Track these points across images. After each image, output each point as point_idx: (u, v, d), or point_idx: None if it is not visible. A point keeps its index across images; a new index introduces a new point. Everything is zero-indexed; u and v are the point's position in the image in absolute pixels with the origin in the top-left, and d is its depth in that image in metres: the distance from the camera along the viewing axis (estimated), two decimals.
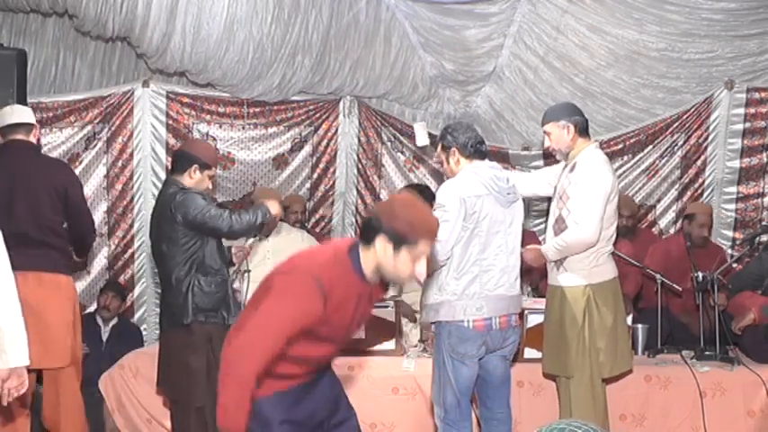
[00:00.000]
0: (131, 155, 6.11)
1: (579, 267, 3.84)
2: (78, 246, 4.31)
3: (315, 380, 2.84)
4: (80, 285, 6.04)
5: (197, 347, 3.90)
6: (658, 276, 4.85)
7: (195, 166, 3.96)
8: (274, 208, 4.08)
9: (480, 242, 3.57)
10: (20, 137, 4.05)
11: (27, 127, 4.08)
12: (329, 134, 6.39)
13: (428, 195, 5.05)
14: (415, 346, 4.59)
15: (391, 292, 4.80)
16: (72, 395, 4.06)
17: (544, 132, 4.02)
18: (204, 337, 3.90)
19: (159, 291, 6.23)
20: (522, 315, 4.07)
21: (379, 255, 2.62)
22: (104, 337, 5.67)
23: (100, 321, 5.76)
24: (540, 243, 4.89)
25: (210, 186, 4.07)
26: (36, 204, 3.97)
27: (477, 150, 3.72)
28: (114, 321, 5.67)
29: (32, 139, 4.11)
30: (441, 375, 3.64)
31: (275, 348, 2.57)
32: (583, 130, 3.93)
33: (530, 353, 4.33)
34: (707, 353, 4.51)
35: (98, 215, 6.10)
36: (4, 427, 3.89)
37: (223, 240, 4.11)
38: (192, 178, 3.97)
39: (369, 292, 2.74)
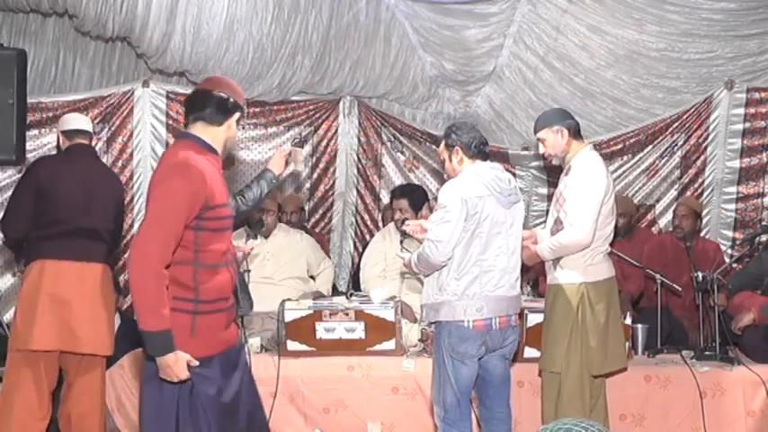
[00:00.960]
0: (131, 155, 6.12)
1: (574, 265, 3.86)
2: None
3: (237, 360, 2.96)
4: None
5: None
6: (658, 276, 4.85)
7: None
8: (278, 167, 3.86)
9: (481, 243, 3.56)
10: (85, 141, 4.34)
11: (89, 134, 4.38)
12: (329, 134, 6.40)
13: (420, 194, 5.06)
14: (415, 346, 4.59)
15: (392, 293, 4.80)
16: (100, 386, 4.21)
17: (538, 140, 4.05)
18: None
19: None
20: (522, 314, 4.07)
21: (231, 130, 3.02)
22: None
23: None
24: None
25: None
26: (105, 206, 4.23)
27: (481, 151, 3.72)
28: (117, 323, 5.63)
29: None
30: (440, 375, 3.64)
31: (176, 234, 2.75)
32: (576, 133, 3.94)
33: (530, 352, 4.33)
34: (707, 353, 4.51)
35: None
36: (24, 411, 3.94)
37: None
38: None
39: (219, 167, 3.00)
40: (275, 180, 3.82)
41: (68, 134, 4.34)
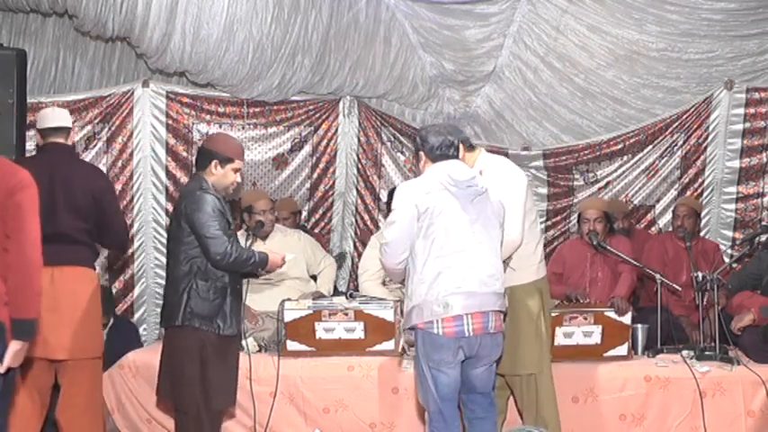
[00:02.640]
0: (131, 155, 6.11)
1: (528, 264, 3.87)
2: (114, 249, 4.54)
3: None
4: None
5: (190, 353, 3.80)
6: (658, 276, 4.85)
7: (215, 161, 3.86)
8: (275, 264, 4.00)
9: (439, 240, 3.44)
10: (60, 140, 4.16)
11: (66, 131, 4.20)
12: (329, 134, 6.39)
13: None
14: (414, 346, 4.57)
15: (392, 294, 4.79)
16: (94, 389, 4.14)
17: None
18: (197, 343, 3.80)
19: (160, 291, 6.29)
20: (505, 318, 3.88)
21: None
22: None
23: None
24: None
25: (237, 180, 3.95)
26: (75, 207, 4.06)
27: (444, 154, 3.57)
28: (111, 322, 5.62)
29: (69, 142, 4.24)
30: (421, 382, 3.58)
31: None
32: (469, 146, 3.84)
33: None
34: (707, 353, 4.51)
35: None
36: (18, 416, 3.92)
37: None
38: (215, 174, 3.87)
39: None
40: (260, 264, 3.92)
41: (43, 132, 4.20)
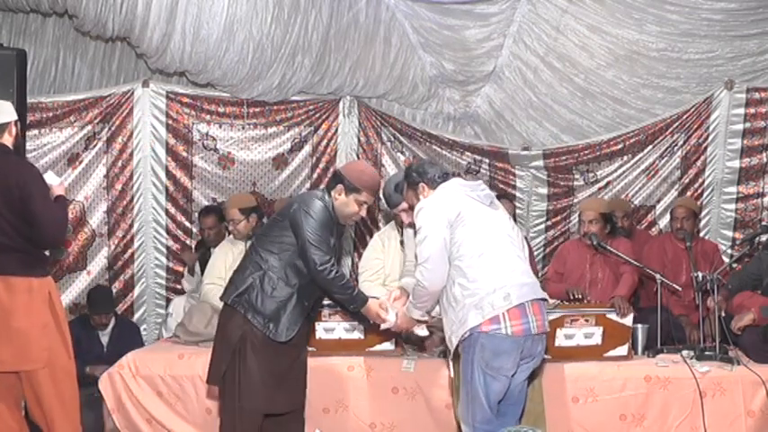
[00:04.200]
0: (131, 155, 6.12)
1: None
2: (44, 243, 3.93)
3: None
4: (79, 285, 6.07)
5: (229, 336, 3.72)
6: (658, 276, 4.85)
7: (341, 186, 3.76)
8: (372, 313, 3.85)
9: (477, 239, 3.44)
10: None
11: (0, 127, 3.85)
12: (329, 134, 6.39)
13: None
14: (414, 348, 4.58)
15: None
16: (54, 396, 3.93)
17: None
18: (239, 330, 3.70)
19: (160, 291, 6.30)
20: None
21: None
22: (104, 341, 5.57)
23: None
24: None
25: (359, 213, 3.80)
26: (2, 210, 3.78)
27: (444, 179, 3.67)
28: (112, 323, 5.62)
29: (6, 137, 3.87)
30: (469, 392, 3.45)
31: None
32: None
33: None
34: (707, 353, 4.51)
35: (98, 215, 6.13)
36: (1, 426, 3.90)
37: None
38: (338, 199, 3.77)
39: None
40: (356, 299, 3.80)
41: None
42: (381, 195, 4.18)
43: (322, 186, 4.02)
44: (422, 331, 3.88)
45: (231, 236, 5.19)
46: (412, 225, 3.87)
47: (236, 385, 3.70)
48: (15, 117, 3.94)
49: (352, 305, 3.80)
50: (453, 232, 3.44)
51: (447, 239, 3.44)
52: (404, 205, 3.93)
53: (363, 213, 3.82)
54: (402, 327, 3.87)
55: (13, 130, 3.91)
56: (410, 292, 3.69)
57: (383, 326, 3.88)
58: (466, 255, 3.44)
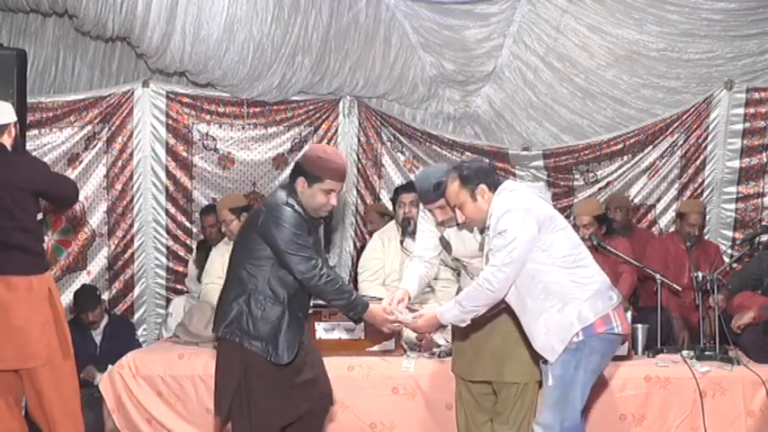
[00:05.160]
0: (131, 155, 6.12)
1: None
2: (59, 203, 4.22)
3: None
4: (79, 285, 6.04)
5: (230, 368, 3.45)
6: (658, 276, 4.85)
7: (301, 179, 3.41)
8: (377, 316, 3.56)
9: (569, 238, 3.35)
10: None
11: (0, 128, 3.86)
12: (329, 134, 6.39)
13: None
14: (414, 348, 4.57)
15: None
16: (54, 394, 3.93)
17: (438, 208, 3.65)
18: (240, 362, 3.41)
19: (160, 291, 6.30)
20: None
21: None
22: (98, 339, 5.51)
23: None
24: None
25: (328, 203, 3.43)
26: (8, 209, 3.79)
27: (498, 177, 3.53)
28: (105, 322, 5.54)
29: (5, 138, 3.88)
30: (566, 396, 3.29)
31: None
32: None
33: None
34: (707, 353, 4.51)
35: (98, 215, 6.13)
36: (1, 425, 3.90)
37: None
38: (302, 192, 3.41)
39: None
40: (355, 305, 3.49)
41: None
42: (417, 189, 3.79)
43: (285, 181, 3.64)
44: (441, 339, 3.69)
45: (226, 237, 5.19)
46: (443, 223, 3.68)
47: (247, 418, 3.44)
48: (15, 119, 3.94)
49: (352, 311, 3.49)
50: (544, 235, 3.28)
51: (532, 245, 3.27)
52: (441, 202, 3.62)
53: (333, 202, 3.45)
54: (422, 329, 3.64)
55: (13, 131, 3.91)
56: (460, 297, 3.42)
57: (392, 327, 3.64)
58: (566, 256, 3.31)
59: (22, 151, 4.16)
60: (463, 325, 3.47)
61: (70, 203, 4.39)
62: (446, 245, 3.79)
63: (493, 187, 3.42)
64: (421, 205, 3.82)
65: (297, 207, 3.37)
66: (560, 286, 3.29)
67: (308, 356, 3.61)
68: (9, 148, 3.88)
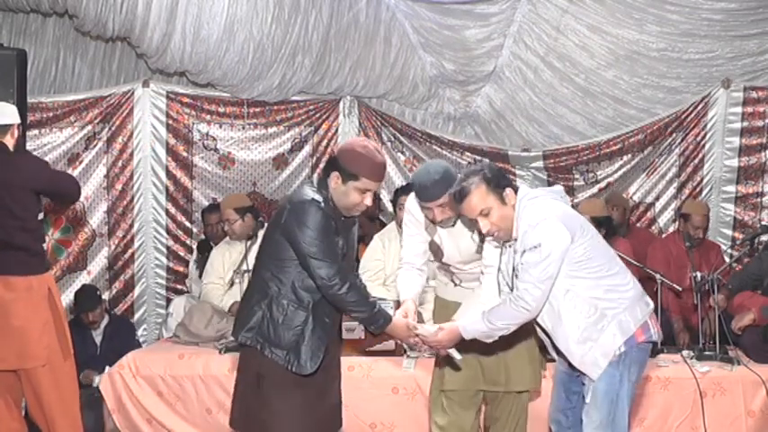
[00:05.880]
0: (131, 155, 6.12)
1: None
2: (62, 200, 4.37)
3: None
4: (80, 285, 6.04)
5: (246, 376, 3.22)
6: (658, 276, 4.85)
7: (335, 173, 3.12)
8: (399, 330, 3.31)
9: (602, 244, 3.15)
10: None
11: (3, 128, 3.88)
12: (329, 134, 6.39)
13: None
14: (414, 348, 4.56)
15: (391, 294, 4.77)
16: (54, 394, 3.95)
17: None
18: (255, 368, 3.18)
19: (160, 291, 6.30)
20: None
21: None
22: (98, 340, 5.48)
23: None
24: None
25: (362, 203, 3.14)
26: (5, 210, 3.80)
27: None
28: (105, 322, 5.54)
29: (8, 139, 3.90)
30: (615, 414, 3.10)
31: None
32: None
33: None
34: (707, 353, 4.51)
35: (98, 215, 6.13)
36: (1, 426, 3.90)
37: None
38: (335, 189, 3.13)
39: None
40: (377, 318, 3.22)
41: None
42: (413, 187, 3.52)
43: (316, 175, 3.36)
44: (457, 354, 3.36)
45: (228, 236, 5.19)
46: (441, 224, 3.47)
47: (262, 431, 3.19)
48: (18, 120, 3.97)
49: (373, 325, 3.24)
50: (576, 244, 3.04)
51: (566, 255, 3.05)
52: (442, 200, 3.36)
53: (368, 203, 3.16)
54: (443, 344, 3.30)
55: (16, 132, 3.94)
56: (488, 313, 3.15)
57: (415, 341, 3.36)
58: (600, 265, 3.09)
59: (22, 151, 4.17)
60: (489, 341, 3.23)
61: (72, 200, 4.45)
62: (436, 250, 3.58)
63: (515, 192, 3.15)
64: (408, 208, 3.59)
65: (323, 205, 3.09)
66: (597, 297, 3.07)
67: (334, 377, 3.41)
68: (11, 149, 3.90)
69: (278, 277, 3.13)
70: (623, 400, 3.11)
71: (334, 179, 3.12)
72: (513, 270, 3.16)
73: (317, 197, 3.10)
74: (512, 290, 3.18)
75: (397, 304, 4.11)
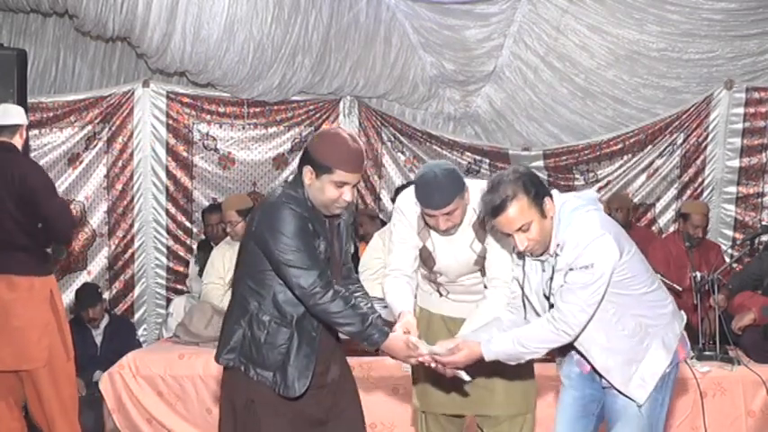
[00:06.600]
0: (131, 155, 6.12)
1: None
2: (51, 236, 3.98)
3: None
4: (75, 286, 6.05)
5: (232, 401, 2.86)
6: (658, 276, 4.84)
7: (307, 168, 2.75)
8: (396, 349, 2.88)
9: (640, 256, 2.88)
10: (2, 139, 3.89)
11: (10, 129, 3.90)
12: None
13: None
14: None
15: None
16: (53, 395, 3.96)
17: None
18: (243, 393, 2.81)
19: (160, 291, 6.30)
20: None
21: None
22: (98, 340, 5.49)
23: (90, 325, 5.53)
24: None
25: (341, 198, 2.76)
26: (4, 210, 3.80)
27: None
28: (105, 322, 5.54)
29: (16, 139, 3.93)
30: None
31: None
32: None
33: None
34: (707, 353, 4.51)
35: (98, 215, 6.13)
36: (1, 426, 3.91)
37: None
38: (310, 185, 2.76)
39: None
40: (371, 333, 2.80)
41: None
42: (416, 191, 3.08)
43: (291, 174, 2.99)
44: (466, 376, 3.02)
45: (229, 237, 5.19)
46: (446, 231, 3.09)
47: None
48: (26, 122, 4.00)
49: (366, 341, 2.81)
50: (624, 262, 2.75)
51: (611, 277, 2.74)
52: (451, 207, 3.01)
53: (348, 198, 2.77)
54: (461, 365, 2.91)
55: (24, 133, 3.97)
56: (519, 334, 2.83)
57: (416, 361, 2.96)
58: (644, 281, 2.84)
59: (33, 162, 4.22)
60: (512, 364, 2.92)
61: (62, 234, 4.06)
62: (427, 257, 3.23)
63: (551, 198, 2.77)
64: (400, 207, 3.24)
65: (295, 205, 2.73)
66: (641, 315, 2.82)
67: (337, 396, 2.97)
68: (19, 149, 3.94)
69: (257, 291, 2.77)
70: (661, 425, 2.88)
71: (308, 174, 2.75)
72: (549, 287, 2.81)
73: (290, 197, 2.75)
74: (535, 309, 2.88)
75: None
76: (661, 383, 2.84)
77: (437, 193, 2.99)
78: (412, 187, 3.14)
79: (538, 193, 2.71)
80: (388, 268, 3.32)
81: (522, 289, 2.93)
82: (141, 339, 6.05)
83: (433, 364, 2.93)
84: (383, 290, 3.33)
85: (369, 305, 2.94)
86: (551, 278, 2.79)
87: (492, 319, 3.02)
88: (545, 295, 2.84)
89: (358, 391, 3.08)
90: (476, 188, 3.04)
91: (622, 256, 2.72)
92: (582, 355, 2.90)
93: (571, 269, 2.71)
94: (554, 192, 2.81)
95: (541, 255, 2.80)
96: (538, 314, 2.89)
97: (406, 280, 3.25)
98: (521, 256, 2.87)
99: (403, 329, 2.99)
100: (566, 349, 2.92)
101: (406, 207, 3.22)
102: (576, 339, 2.79)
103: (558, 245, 2.74)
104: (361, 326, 2.77)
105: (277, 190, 2.83)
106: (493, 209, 2.70)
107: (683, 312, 3.02)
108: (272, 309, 2.77)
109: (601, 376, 2.90)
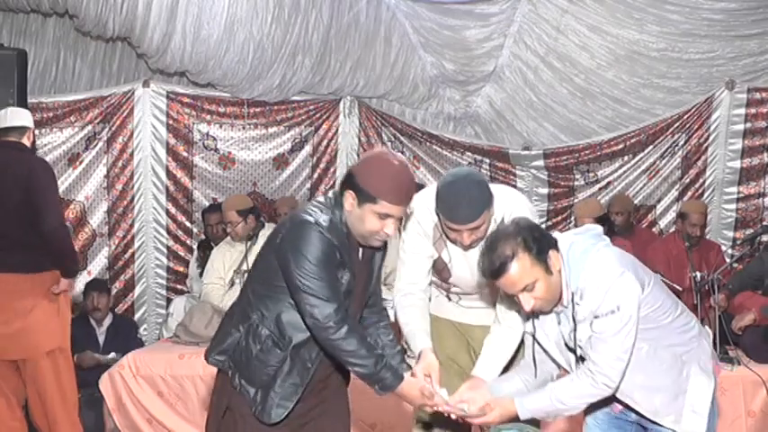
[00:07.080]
0: (131, 155, 6.12)
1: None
2: (50, 251, 3.90)
3: None
4: (80, 285, 6.02)
5: (216, 405, 2.75)
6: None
7: (349, 193, 2.54)
8: (410, 397, 2.67)
9: (659, 282, 2.71)
10: (12, 139, 3.95)
11: (20, 130, 3.97)
12: (329, 134, 6.40)
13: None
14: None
15: (392, 294, 4.75)
16: (56, 390, 3.99)
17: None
18: (225, 398, 2.69)
19: (160, 291, 6.30)
20: None
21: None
22: (101, 339, 5.47)
23: (94, 323, 5.50)
24: None
25: (382, 231, 2.54)
26: (9, 204, 3.84)
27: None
28: (109, 321, 5.55)
29: (25, 141, 3.99)
30: None
31: None
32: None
33: None
34: None
35: (98, 215, 6.13)
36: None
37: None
38: (350, 211, 2.56)
39: None
40: (384, 379, 2.57)
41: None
42: (439, 202, 2.85)
43: (331, 193, 2.71)
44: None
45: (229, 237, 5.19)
46: (470, 246, 2.88)
47: None
48: (33, 126, 4.07)
49: (378, 384, 2.57)
50: (647, 295, 2.57)
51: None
52: (477, 223, 2.78)
53: (390, 231, 2.55)
54: (494, 423, 2.71)
55: (32, 136, 4.04)
56: (556, 389, 2.60)
57: (428, 410, 2.77)
58: (668, 309, 2.65)
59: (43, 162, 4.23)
60: (549, 420, 2.79)
61: (52, 233, 3.91)
62: (442, 269, 3.04)
63: (556, 248, 2.54)
64: (416, 216, 2.98)
65: (326, 230, 2.51)
66: (674, 344, 2.64)
67: (322, 420, 2.75)
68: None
69: (264, 302, 2.61)
70: None
71: (349, 199, 2.53)
72: (574, 339, 2.58)
73: (322, 219, 2.53)
74: (556, 361, 2.70)
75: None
76: (711, 408, 2.65)
77: (466, 207, 2.76)
78: (425, 192, 2.95)
79: (541, 248, 2.47)
80: (399, 282, 3.12)
81: (535, 344, 2.69)
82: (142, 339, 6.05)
83: (453, 416, 2.70)
84: (394, 305, 3.13)
85: (390, 337, 2.79)
86: (574, 329, 2.56)
87: (505, 357, 2.86)
88: (569, 348, 2.62)
89: (345, 387, 2.88)
90: (498, 195, 2.86)
91: (644, 290, 2.54)
92: (626, 405, 2.68)
93: (596, 317, 2.50)
94: (557, 236, 2.59)
95: (551, 310, 2.59)
96: (559, 367, 2.71)
97: (420, 296, 3.04)
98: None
99: (424, 372, 2.77)
100: (609, 401, 2.68)
101: (421, 214, 2.97)
102: (617, 390, 2.59)
103: (573, 293, 2.52)
104: (374, 368, 2.55)
105: (308, 206, 2.62)
106: (492, 272, 2.48)
107: (707, 328, 2.94)
108: (274, 326, 2.60)
109: (651, 422, 2.68)
